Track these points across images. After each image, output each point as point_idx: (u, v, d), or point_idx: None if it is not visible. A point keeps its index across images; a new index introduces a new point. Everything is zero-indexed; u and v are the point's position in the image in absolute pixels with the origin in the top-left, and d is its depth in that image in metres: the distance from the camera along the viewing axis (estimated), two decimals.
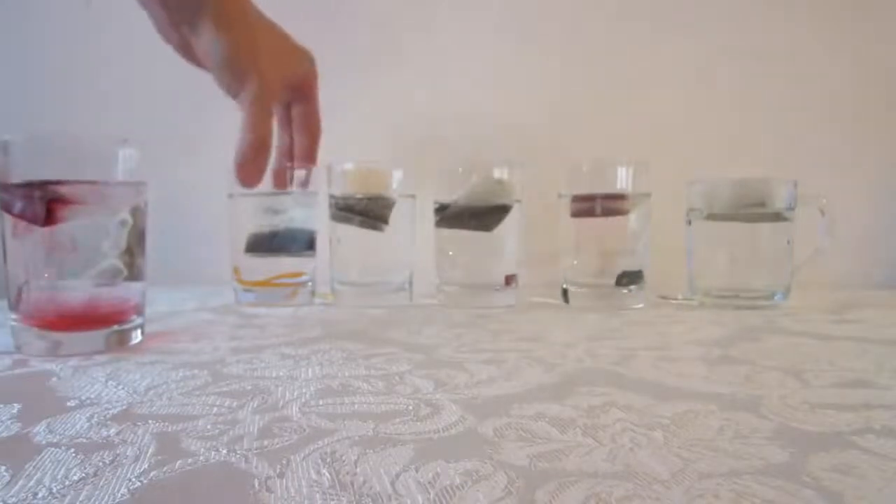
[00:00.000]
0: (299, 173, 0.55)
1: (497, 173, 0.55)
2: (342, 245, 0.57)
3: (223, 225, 0.57)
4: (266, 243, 0.55)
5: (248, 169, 0.44)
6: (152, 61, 0.74)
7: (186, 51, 0.46)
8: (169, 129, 0.72)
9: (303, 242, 0.57)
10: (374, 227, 0.55)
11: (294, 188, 0.55)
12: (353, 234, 0.56)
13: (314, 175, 0.56)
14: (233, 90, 0.44)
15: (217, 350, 0.37)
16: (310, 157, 0.55)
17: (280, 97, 0.51)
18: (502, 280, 0.56)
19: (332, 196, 0.56)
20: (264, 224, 0.55)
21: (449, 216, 0.56)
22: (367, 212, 0.55)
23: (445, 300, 0.57)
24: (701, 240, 0.57)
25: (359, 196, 0.55)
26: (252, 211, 0.56)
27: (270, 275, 0.56)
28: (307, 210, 0.57)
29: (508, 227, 0.55)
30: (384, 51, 0.75)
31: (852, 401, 0.26)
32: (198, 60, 0.45)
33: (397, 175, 0.56)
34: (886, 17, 0.72)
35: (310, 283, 0.58)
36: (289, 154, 0.55)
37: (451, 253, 0.57)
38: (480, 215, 0.55)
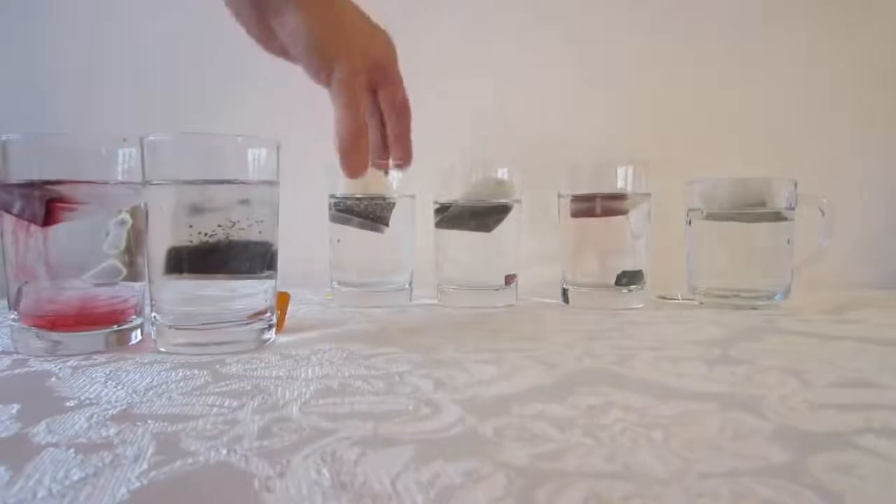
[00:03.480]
0: (396, 166, 0.52)
1: (497, 173, 0.55)
2: (342, 245, 0.57)
3: None
4: (206, 258, 0.36)
5: (352, 159, 0.43)
6: (153, 61, 0.75)
7: (269, 42, 0.44)
8: (169, 130, 0.72)
9: (254, 259, 0.38)
10: (375, 229, 0.55)
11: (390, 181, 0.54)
12: (353, 234, 0.56)
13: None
14: (322, 74, 0.42)
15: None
16: (405, 141, 0.52)
17: (369, 80, 0.48)
18: (502, 280, 0.56)
19: (332, 196, 0.56)
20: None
21: (449, 216, 0.56)
22: (368, 213, 0.55)
23: (445, 300, 0.57)
24: (701, 240, 0.57)
25: (359, 196, 0.55)
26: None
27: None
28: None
29: (508, 227, 0.55)
30: None
31: (852, 401, 0.26)
32: (282, 50, 0.43)
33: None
34: (887, 17, 0.72)
35: (270, 318, 0.40)
36: (382, 144, 0.52)
37: (451, 253, 0.57)
38: (480, 215, 0.55)
